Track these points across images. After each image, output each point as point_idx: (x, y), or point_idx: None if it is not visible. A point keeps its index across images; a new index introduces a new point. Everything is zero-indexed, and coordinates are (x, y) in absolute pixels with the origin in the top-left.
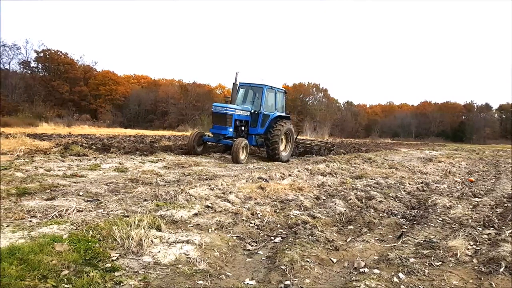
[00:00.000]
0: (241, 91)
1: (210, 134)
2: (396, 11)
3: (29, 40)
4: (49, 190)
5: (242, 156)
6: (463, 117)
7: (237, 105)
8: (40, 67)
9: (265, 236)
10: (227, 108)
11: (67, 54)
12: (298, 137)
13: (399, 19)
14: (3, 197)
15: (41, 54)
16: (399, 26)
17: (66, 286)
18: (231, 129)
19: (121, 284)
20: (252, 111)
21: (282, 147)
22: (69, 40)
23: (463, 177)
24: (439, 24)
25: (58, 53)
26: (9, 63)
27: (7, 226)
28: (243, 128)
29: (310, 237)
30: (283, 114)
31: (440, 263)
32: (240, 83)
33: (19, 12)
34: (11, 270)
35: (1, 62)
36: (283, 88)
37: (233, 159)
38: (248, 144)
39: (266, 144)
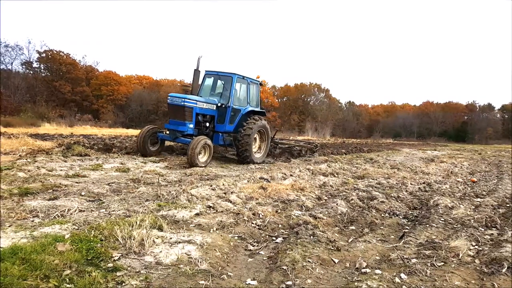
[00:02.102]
0: (208, 81)
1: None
2: (399, 10)
3: (31, 41)
4: (51, 190)
5: (202, 158)
6: (465, 117)
7: (201, 96)
8: (42, 68)
9: (267, 236)
10: (186, 100)
11: (69, 54)
12: (280, 136)
13: (402, 19)
14: (5, 197)
15: (43, 55)
16: (401, 26)
17: (68, 286)
18: (191, 125)
19: (123, 284)
20: (219, 104)
21: (255, 147)
22: (71, 40)
23: (465, 178)
24: (442, 24)
25: (60, 53)
26: (12, 63)
27: (9, 226)
28: (207, 124)
29: (311, 237)
30: (257, 109)
31: (442, 263)
32: (206, 71)
33: (21, 12)
34: (14, 270)
35: (2, 62)
36: (257, 79)
37: (189, 162)
38: (210, 143)
39: (236, 144)
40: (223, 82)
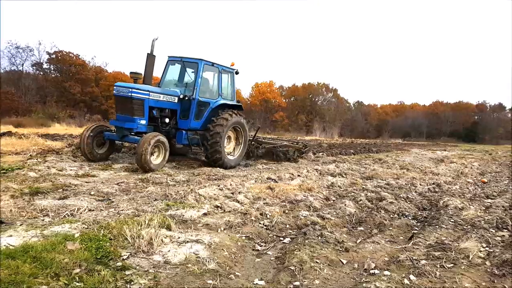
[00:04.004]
0: (172, 69)
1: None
2: (408, 9)
3: (41, 42)
4: (61, 190)
5: (156, 160)
6: (476, 117)
7: (160, 87)
8: (52, 69)
9: (274, 236)
10: (134, 90)
11: (79, 55)
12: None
13: (411, 18)
14: (16, 196)
15: (53, 56)
16: (411, 25)
17: (77, 284)
18: (142, 121)
19: (132, 283)
20: (181, 96)
21: (229, 148)
22: (80, 41)
23: (475, 178)
24: (452, 23)
25: (70, 54)
26: (23, 64)
27: (20, 225)
28: (167, 120)
29: (319, 238)
30: (231, 103)
31: (452, 265)
32: (170, 57)
33: (32, 13)
34: (25, 268)
35: (14, 63)
36: (232, 67)
37: (138, 165)
38: (164, 140)
39: (204, 144)
40: (187, 70)
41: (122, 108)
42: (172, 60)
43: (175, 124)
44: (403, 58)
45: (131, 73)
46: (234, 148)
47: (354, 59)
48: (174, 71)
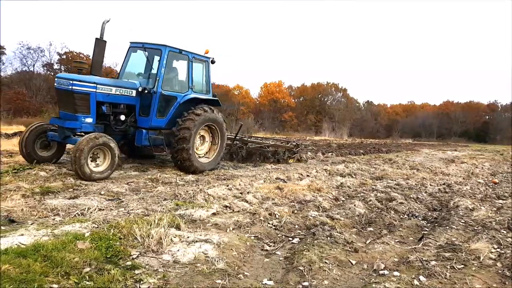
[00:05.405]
0: (134, 57)
1: None
2: (419, 8)
3: (52, 43)
4: (71, 189)
5: (99, 166)
6: (487, 117)
7: (116, 78)
8: (62, 69)
9: (283, 236)
10: (76, 82)
11: (89, 56)
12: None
13: (421, 16)
14: (27, 196)
15: (64, 56)
16: (420, 24)
17: (87, 283)
18: (88, 119)
19: (141, 282)
20: (140, 89)
21: (202, 149)
22: (90, 42)
23: (486, 179)
24: (462, 22)
25: (80, 55)
26: (34, 65)
27: (31, 224)
28: (122, 118)
29: (328, 238)
30: (205, 97)
31: (462, 266)
32: (131, 43)
33: (43, 15)
34: (36, 267)
35: (25, 64)
36: (206, 55)
37: (74, 171)
38: (110, 143)
39: (168, 145)
40: (149, 58)
41: (64, 104)
42: (134, 47)
43: (133, 122)
44: (414, 57)
45: (74, 62)
46: (209, 149)
47: (364, 59)
48: (136, 60)
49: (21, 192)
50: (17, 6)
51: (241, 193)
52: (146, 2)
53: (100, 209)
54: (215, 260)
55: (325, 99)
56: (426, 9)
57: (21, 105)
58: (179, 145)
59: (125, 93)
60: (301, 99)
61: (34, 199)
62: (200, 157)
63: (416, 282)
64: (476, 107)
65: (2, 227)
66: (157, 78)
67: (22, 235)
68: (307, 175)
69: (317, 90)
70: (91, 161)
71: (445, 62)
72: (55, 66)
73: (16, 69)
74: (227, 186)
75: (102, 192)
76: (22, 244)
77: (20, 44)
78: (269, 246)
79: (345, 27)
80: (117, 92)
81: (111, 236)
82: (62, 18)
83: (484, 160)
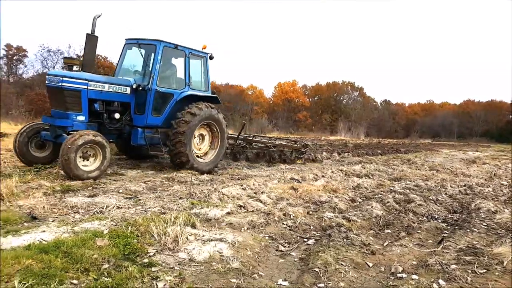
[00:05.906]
0: (130, 54)
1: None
2: (437, 4)
3: (71, 45)
4: (90, 188)
5: (90, 165)
6: (510, 116)
7: (113, 76)
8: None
9: (298, 237)
10: (66, 79)
11: (107, 57)
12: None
13: (440, 13)
14: (48, 194)
15: (82, 58)
16: (439, 21)
17: (106, 279)
18: (80, 117)
19: (158, 279)
20: (134, 86)
21: (201, 149)
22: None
23: (510, 180)
24: (483, 19)
25: (98, 56)
26: (54, 67)
27: (52, 221)
28: (117, 116)
29: (345, 240)
30: (203, 94)
31: (484, 270)
32: (127, 39)
33: (63, 16)
34: (57, 262)
35: (46, 66)
36: (203, 51)
37: (64, 171)
38: (101, 141)
39: (165, 144)
40: (144, 54)
41: (55, 102)
42: (129, 44)
43: (129, 121)
44: (433, 55)
45: (64, 58)
46: (209, 149)
47: (381, 57)
48: (132, 58)
49: (42, 190)
50: (34, 7)
51: (255, 193)
52: (153, 2)
53: (118, 207)
54: (230, 259)
55: (341, 98)
56: (445, 5)
57: (42, 106)
58: (176, 148)
59: (119, 90)
60: (315, 99)
61: (55, 197)
62: (199, 156)
63: (435, 285)
64: (499, 106)
65: (25, 224)
66: (152, 75)
67: (44, 231)
68: (322, 176)
69: (333, 89)
70: (77, 159)
71: (466, 59)
72: (74, 68)
73: (38, 71)
74: (241, 185)
75: (120, 191)
76: (44, 240)
77: (41, 46)
78: (284, 246)
79: (361, 24)
80: (111, 89)
81: (128, 234)
82: (80, 20)
83: (508, 161)
